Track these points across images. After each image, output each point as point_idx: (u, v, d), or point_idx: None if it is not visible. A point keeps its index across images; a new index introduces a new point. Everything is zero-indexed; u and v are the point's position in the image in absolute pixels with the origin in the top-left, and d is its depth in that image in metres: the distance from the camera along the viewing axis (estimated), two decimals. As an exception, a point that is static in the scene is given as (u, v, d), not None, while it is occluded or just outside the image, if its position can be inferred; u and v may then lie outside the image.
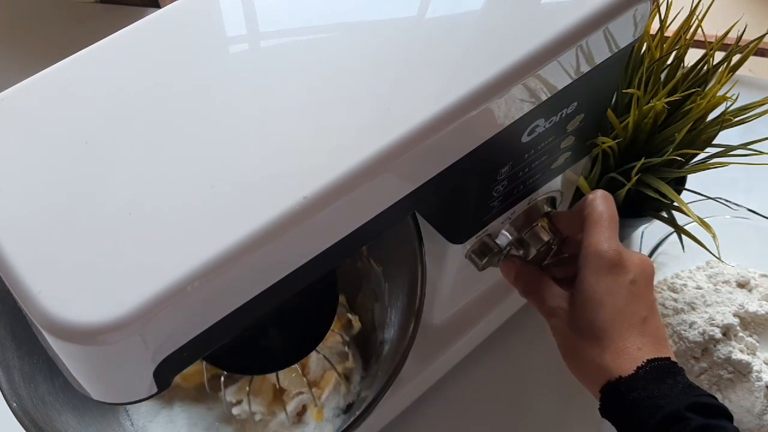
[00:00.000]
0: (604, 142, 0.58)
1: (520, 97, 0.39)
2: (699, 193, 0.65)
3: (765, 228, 0.66)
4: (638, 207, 0.65)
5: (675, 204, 0.61)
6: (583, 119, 0.48)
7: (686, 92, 0.62)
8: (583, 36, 0.39)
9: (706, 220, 0.63)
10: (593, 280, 0.45)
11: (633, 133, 0.61)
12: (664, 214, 0.64)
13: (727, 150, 0.63)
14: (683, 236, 0.62)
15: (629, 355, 0.43)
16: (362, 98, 0.36)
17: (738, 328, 0.60)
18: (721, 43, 0.63)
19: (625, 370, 0.42)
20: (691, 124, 0.60)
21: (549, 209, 0.55)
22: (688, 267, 0.67)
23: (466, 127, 0.37)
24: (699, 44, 0.68)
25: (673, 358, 0.43)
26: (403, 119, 0.35)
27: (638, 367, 0.42)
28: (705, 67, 0.63)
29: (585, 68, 0.42)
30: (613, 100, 0.65)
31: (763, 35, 0.62)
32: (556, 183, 0.54)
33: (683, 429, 0.40)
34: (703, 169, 0.62)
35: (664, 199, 0.61)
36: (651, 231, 0.69)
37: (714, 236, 0.58)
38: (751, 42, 0.61)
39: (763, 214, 0.67)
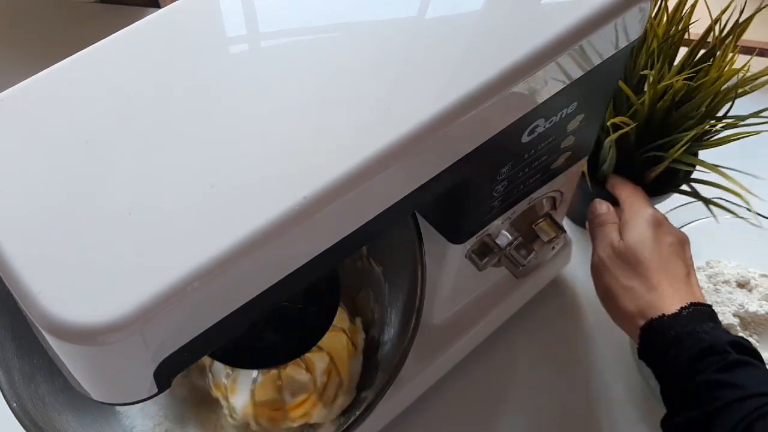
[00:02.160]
0: (625, 123, 0.59)
1: (520, 97, 0.39)
2: (698, 194, 0.65)
3: (765, 228, 0.66)
4: (656, 186, 0.65)
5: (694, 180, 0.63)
6: (583, 119, 0.48)
7: (698, 67, 0.61)
8: (583, 36, 0.39)
9: (704, 221, 0.63)
10: (643, 227, 0.50)
11: (648, 112, 0.61)
12: (686, 188, 0.64)
13: (738, 120, 0.63)
14: (711, 207, 0.62)
15: (673, 297, 0.46)
16: (362, 98, 0.36)
17: (738, 328, 0.60)
18: (719, 18, 0.62)
19: (669, 309, 0.45)
20: (712, 96, 0.60)
21: (549, 209, 0.55)
22: None
23: (466, 127, 0.37)
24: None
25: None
26: (403, 119, 0.35)
27: (682, 308, 0.45)
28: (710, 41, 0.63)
29: (585, 68, 0.42)
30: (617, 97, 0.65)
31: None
32: (556, 183, 0.54)
33: (723, 360, 0.42)
34: (724, 142, 0.62)
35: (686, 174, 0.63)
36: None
37: (747, 202, 0.58)
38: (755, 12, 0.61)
39: (763, 214, 0.67)
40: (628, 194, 0.55)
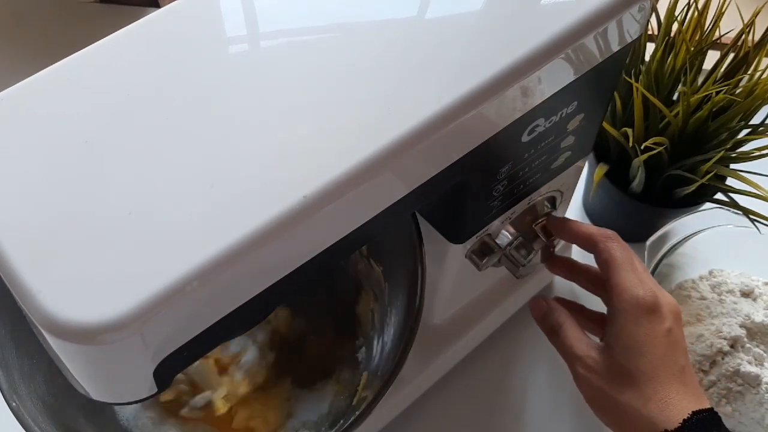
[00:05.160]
0: (657, 144, 0.58)
1: (520, 97, 0.39)
2: (736, 204, 0.65)
3: (765, 234, 0.66)
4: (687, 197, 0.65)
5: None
6: (583, 119, 0.48)
7: (736, 78, 0.60)
8: (582, 35, 0.39)
9: (707, 230, 0.63)
10: (632, 328, 0.44)
11: (682, 126, 0.61)
12: (723, 198, 0.63)
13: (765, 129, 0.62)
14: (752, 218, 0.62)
15: (673, 406, 0.42)
16: (363, 98, 0.36)
17: (745, 339, 0.60)
18: (752, 22, 0.61)
19: (671, 423, 0.41)
20: (759, 102, 0.59)
21: (549, 209, 0.55)
22: (691, 276, 0.66)
23: (466, 127, 0.37)
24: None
25: (710, 406, 0.43)
26: (404, 119, 0.35)
27: (684, 420, 0.41)
28: (742, 48, 0.62)
29: (585, 68, 0.42)
30: (617, 104, 0.65)
31: None
32: (556, 182, 0.54)
33: None
34: (759, 157, 0.61)
35: (727, 188, 0.62)
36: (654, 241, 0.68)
37: None
38: None
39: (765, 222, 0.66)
40: (613, 269, 0.46)
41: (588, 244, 0.49)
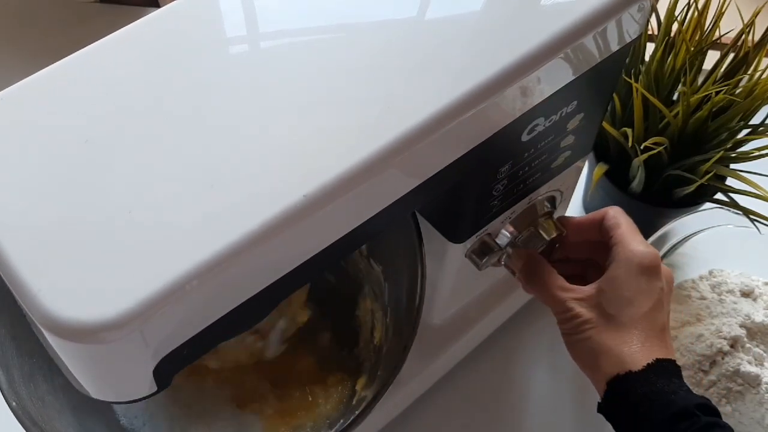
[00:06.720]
0: (657, 144, 0.58)
1: (520, 96, 0.39)
2: (736, 204, 0.65)
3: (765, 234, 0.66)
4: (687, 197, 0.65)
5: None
6: (583, 118, 0.48)
7: (736, 78, 0.61)
8: (582, 35, 0.39)
9: (707, 230, 0.63)
10: (628, 279, 0.46)
11: (682, 126, 0.61)
12: (723, 198, 0.63)
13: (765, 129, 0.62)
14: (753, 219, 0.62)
15: (643, 354, 0.44)
16: (362, 97, 0.36)
17: (745, 339, 0.60)
18: (752, 22, 0.61)
19: (637, 366, 0.43)
20: (758, 102, 0.59)
21: (549, 208, 0.55)
22: (691, 276, 0.66)
23: (466, 126, 0.37)
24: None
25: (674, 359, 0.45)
26: (403, 118, 0.35)
27: (648, 364, 0.43)
28: (742, 48, 0.62)
29: (585, 67, 0.42)
30: (617, 105, 0.65)
31: None
32: (556, 182, 0.54)
33: (693, 425, 0.41)
34: (759, 157, 0.61)
35: (726, 188, 0.62)
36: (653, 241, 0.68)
37: None
38: None
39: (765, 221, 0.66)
40: (618, 229, 0.49)
41: (597, 220, 0.51)
